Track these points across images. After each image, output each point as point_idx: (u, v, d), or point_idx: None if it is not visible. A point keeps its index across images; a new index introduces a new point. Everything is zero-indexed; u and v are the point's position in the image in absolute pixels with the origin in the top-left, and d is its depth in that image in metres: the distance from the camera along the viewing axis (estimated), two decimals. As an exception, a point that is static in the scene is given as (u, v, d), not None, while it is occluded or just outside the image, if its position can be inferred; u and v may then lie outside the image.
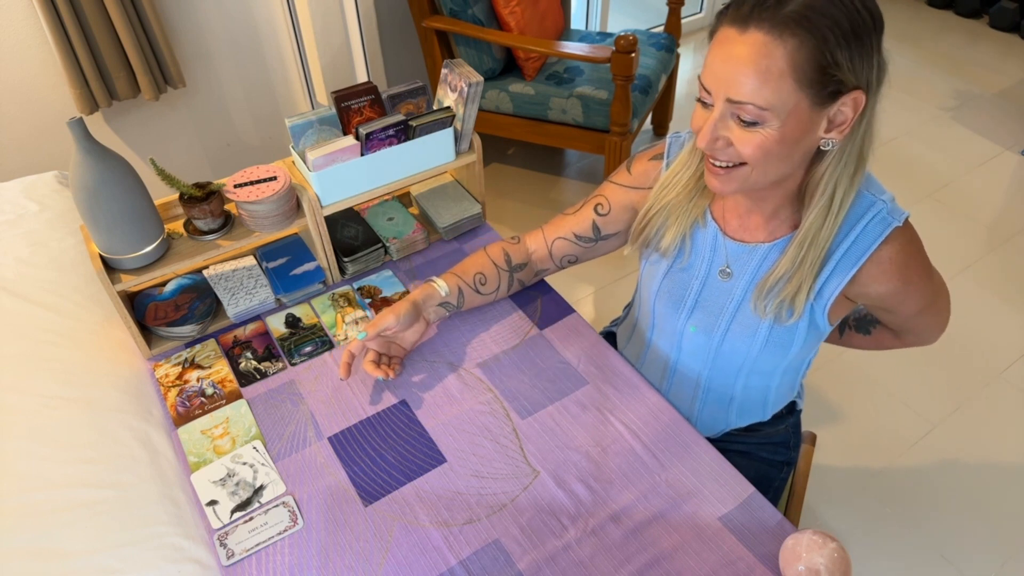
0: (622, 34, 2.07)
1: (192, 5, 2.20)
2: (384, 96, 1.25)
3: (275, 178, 1.18)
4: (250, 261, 1.29)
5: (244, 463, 1.03)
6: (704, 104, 0.85)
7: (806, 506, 1.72)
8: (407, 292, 1.28)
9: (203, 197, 1.13)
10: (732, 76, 0.79)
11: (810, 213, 0.90)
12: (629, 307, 1.31)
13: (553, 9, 2.47)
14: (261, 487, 1.00)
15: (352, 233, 1.34)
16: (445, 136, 1.25)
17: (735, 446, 1.21)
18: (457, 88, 1.25)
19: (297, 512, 0.97)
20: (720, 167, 0.87)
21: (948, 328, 1.10)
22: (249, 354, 1.19)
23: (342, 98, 1.19)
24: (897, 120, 3.02)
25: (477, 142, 1.31)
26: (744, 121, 0.81)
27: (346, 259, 1.29)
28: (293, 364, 1.17)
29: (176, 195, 1.17)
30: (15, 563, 0.92)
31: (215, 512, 0.98)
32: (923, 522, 1.70)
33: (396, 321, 1.08)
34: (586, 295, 2.31)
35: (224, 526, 0.96)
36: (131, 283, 1.10)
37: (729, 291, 1.02)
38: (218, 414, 1.10)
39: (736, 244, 1.00)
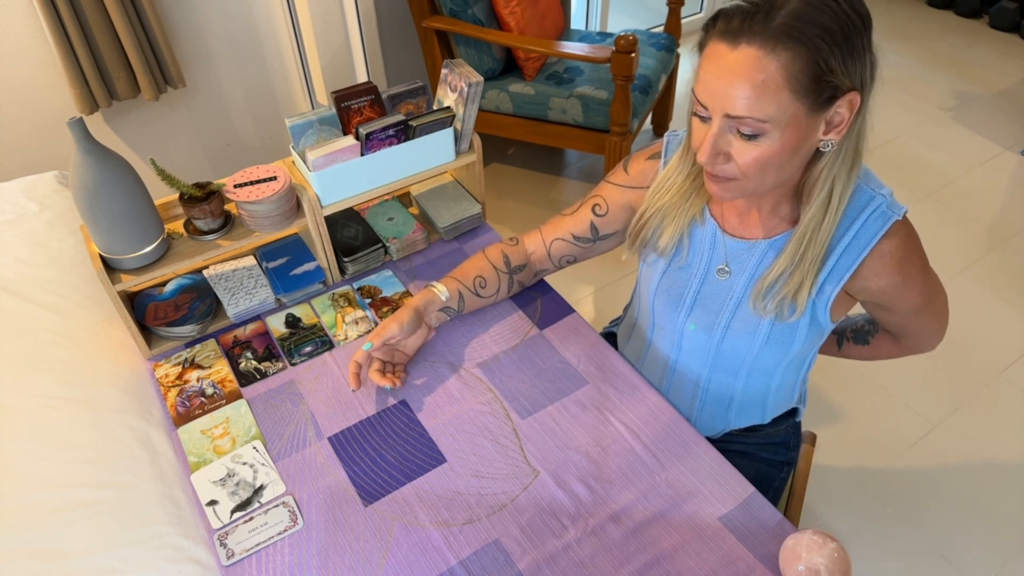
0: (622, 34, 2.07)
1: (192, 5, 2.20)
2: (384, 96, 1.25)
3: (275, 178, 1.18)
4: (250, 261, 1.29)
5: (244, 463, 1.03)
6: (701, 118, 0.85)
7: (806, 506, 1.72)
8: (407, 292, 1.28)
9: (203, 197, 1.13)
10: (728, 91, 0.79)
11: (809, 210, 0.90)
12: (628, 307, 1.31)
13: (553, 9, 2.47)
14: (261, 487, 1.00)
15: (352, 233, 1.34)
16: (445, 136, 1.25)
17: (735, 446, 1.21)
18: (457, 88, 1.25)
19: (297, 512, 0.97)
20: (720, 177, 0.88)
21: (949, 328, 1.10)
22: (249, 354, 1.19)
23: (342, 98, 1.19)
24: (897, 120, 3.02)
25: (477, 142, 1.31)
26: (744, 134, 0.81)
27: (346, 259, 1.29)
28: (293, 364, 1.17)
29: (176, 195, 1.17)
30: (15, 563, 0.92)
31: (215, 512, 0.98)
32: (923, 522, 1.70)
33: (400, 330, 1.08)
34: (586, 295, 2.31)
35: (224, 526, 0.96)
36: (131, 283, 1.10)
37: (728, 288, 1.02)
38: (218, 414, 1.10)
39: (735, 241, 1.00)
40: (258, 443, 1.05)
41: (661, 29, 2.73)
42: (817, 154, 0.87)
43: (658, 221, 1.04)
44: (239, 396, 1.12)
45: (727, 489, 0.98)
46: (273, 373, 1.16)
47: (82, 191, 1.02)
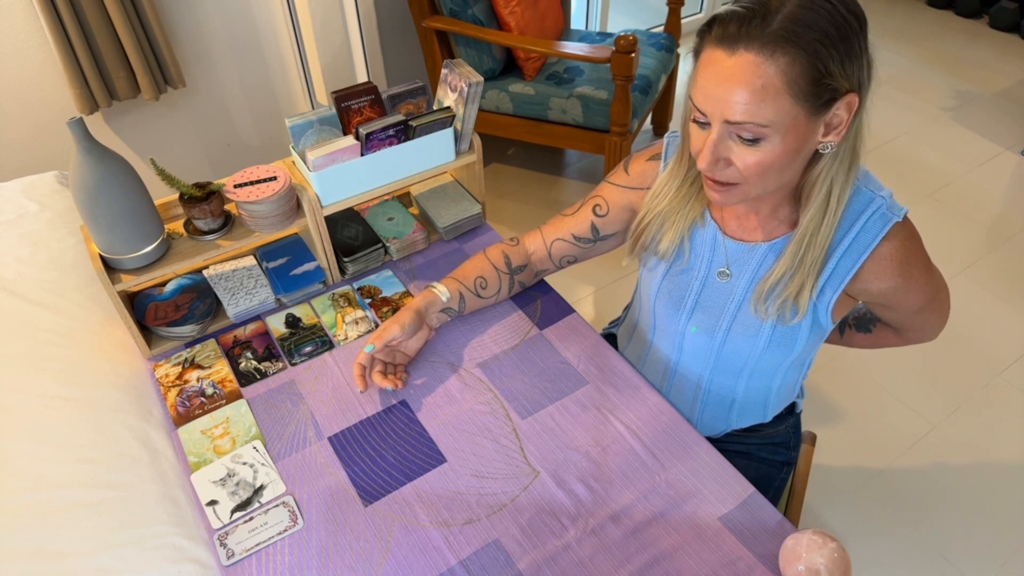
0: (622, 34, 2.07)
1: (192, 5, 2.20)
2: (384, 96, 1.25)
3: (275, 178, 1.18)
4: (250, 261, 1.29)
5: (244, 463, 1.03)
6: (700, 124, 0.85)
7: (806, 506, 1.72)
8: (407, 292, 1.28)
9: (203, 197, 1.13)
10: (727, 98, 0.79)
11: (807, 212, 0.90)
12: (628, 308, 1.31)
13: (553, 9, 2.47)
14: (261, 487, 1.00)
15: (352, 233, 1.34)
16: (445, 136, 1.25)
17: (735, 446, 1.21)
18: (457, 88, 1.25)
19: (297, 512, 0.97)
20: (720, 183, 0.87)
21: (948, 328, 1.09)
22: (249, 354, 1.19)
23: (342, 98, 1.19)
24: (897, 120, 3.02)
25: (477, 142, 1.31)
26: (744, 139, 0.81)
27: (346, 259, 1.29)
28: (293, 364, 1.17)
29: (176, 195, 1.17)
30: (15, 563, 0.93)
31: (215, 512, 0.98)
32: (923, 522, 1.70)
33: (402, 331, 1.08)
34: (586, 295, 2.31)
35: (224, 526, 0.96)
36: (131, 283, 1.10)
37: (729, 291, 1.02)
38: (218, 414, 1.10)
39: (735, 243, 1.00)
40: (258, 443, 1.05)
41: (661, 29, 2.73)
42: (816, 156, 0.87)
43: (658, 226, 1.04)
44: (239, 396, 1.12)
45: (727, 489, 0.98)
46: (273, 373, 1.16)
47: (82, 191, 1.02)
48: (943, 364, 2.05)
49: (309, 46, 2.42)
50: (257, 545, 0.94)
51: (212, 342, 1.21)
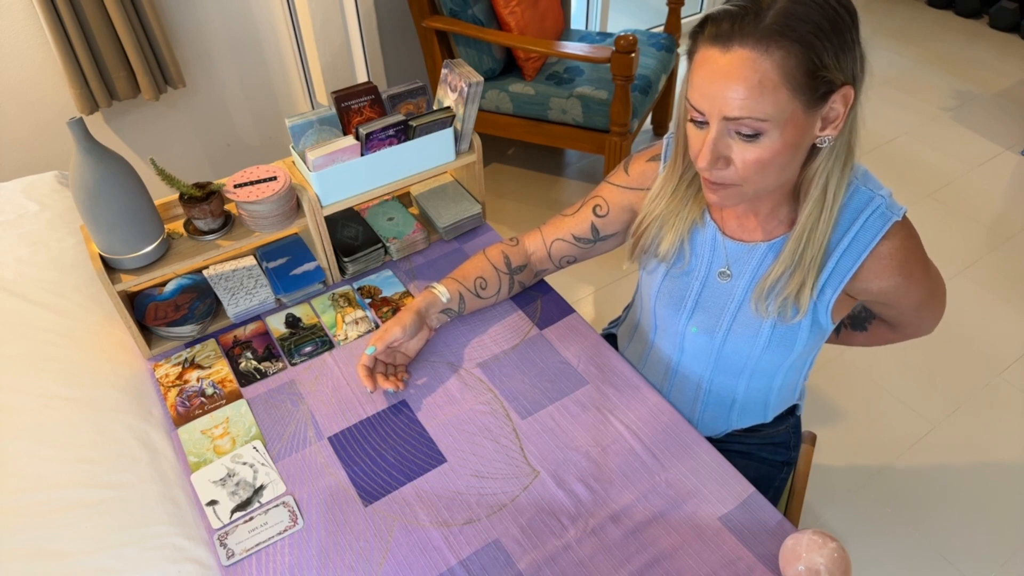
0: (622, 34, 2.07)
1: (192, 5, 2.20)
2: (384, 96, 1.25)
3: (275, 178, 1.18)
4: (250, 261, 1.29)
5: (244, 463, 1.03)
6: (698, 124, 0.85)
7: (806, 506, 1.72)
8: (407, 292, 1.28)
9: (203, 197, 1.13)
10: (724, 94, 0.79)
11: (805, 208, 0.90)
12: (628, 308, 1.31)
13: (553, 9, 2.47)
14: (261, 487, 1.00)
15: (352, 233, 1.34)
16: (445, 136, 1.25)
17: (735, 446, 1.21)
18: (457, 88, 1.25)
19: (297, 512, 0.97)
20: (719, 183, 0.87)
21: (948, 328, 1.10)
22: (249, 354, 1.19)
23: (342, 98, 1.19)
24: (897, 120, 3.02)
25: (477, 142, 1.31)
26: (744, 135, 0.81)
27: (346, 259, 1.29)
28: (293, 364, 1.17)
29: (176, 195, 1.17)
30: (15, 563, 0.93)
31: (215, 512, 0.98)
32: (923, 522, 1.70)
33: (403, 332, 1.08)
34: (586, 295, 2.31)
35: (224, 526, 0.96)
36: (131, 283, 1.10)
37: (729, 291, 1.02)
38: (218, 414, 1.10)
39: (735, 244, 1.00)
40: (258, 443, 1.05)
41: (661, 29, 2.73)
42: (812, 152, 0.87)
43: (657, 229, 1.04)
44: (239, 396, 1.12)
45: (727, 489, 0.98)
46: (273, 373, 1.16)
47: (82, 191, 1.02)
48: (943, 364, 2.05)
49: (309, 46, 2.42)
50: (257, 545, 0.94)
51: (212, 342, 1.21)
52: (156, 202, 1.16)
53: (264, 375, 1.15)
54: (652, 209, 1.03)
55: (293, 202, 1.20)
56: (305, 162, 1.18)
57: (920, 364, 2.05)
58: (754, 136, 0.81)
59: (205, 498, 0.99)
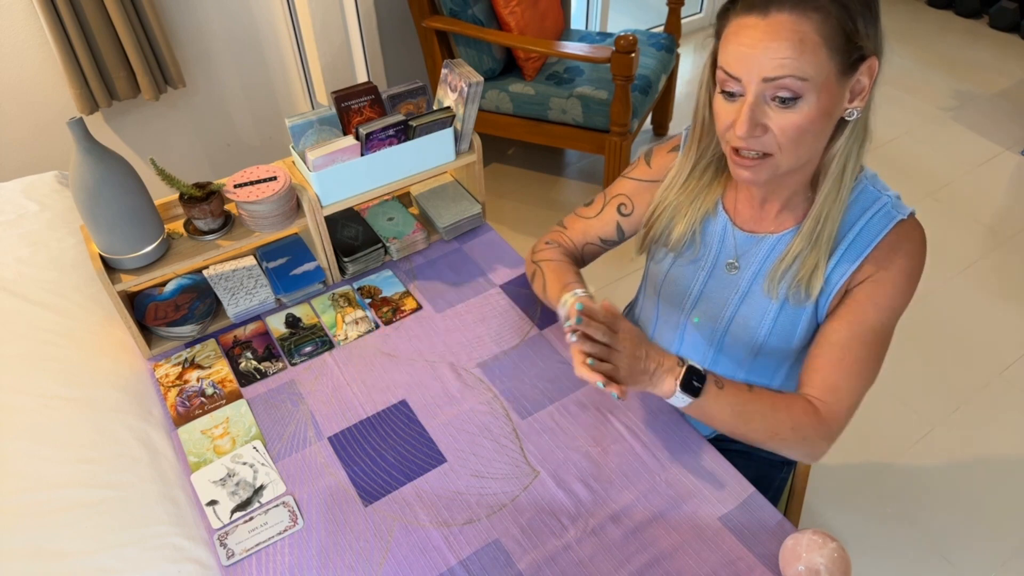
0: (622, 34, 2.07)
1: (192, 5, 2.20)
2: (384, 96, 1.25)
3: (275, 178, 1.18)
4: (250, 261, 1.29)
5: (244, 463, 1.03)
6: (730, 95, 0.85)
7: (806, 506, 1.72)
8: (407, 292, 1.28)
9: (203, 197, 1.13)
10: (766, 55, 0.79)
11: (824, 188, 0.91)
12: (630, 307, 1.31)
13: (553, 9, 2.47)
14: (261, 487, 1.00)
15: (352, 233, 1.34)
16: (445, 136, 1.25)
17: (735, 446, 1.21)
18: (457, 88, 1.25)
19: (297, 512, 0.97)
20: (751, 158, 0.86)
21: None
22: (249, 354, 1.19)
23: (342, 98, 1.19)
24: (897, 120, 3.02)
25: (477, 142, 1.31)
26: (782, 100, 0.81)
27: (346, 259, 1.29)
28: (293, 364, 1.17)
29: (176, 195, 1.17)
30: (15, 563, 0.93)
31: (215, 512, 0.98)
32: (923, 522, 1.70)
33: (587, 293, 1.00)
34: (586, 295, 2.30)
35: (224, 526, 0.96)
36: (131, 283, 1.10)
37: (734, 283, 1.02)
38: (218, 414, 1.10)
39: (745, 235, 1.00)
40: (258, 443, 1.05)
41: (661, 29, 2.73)
42: (835, 132, 0.88)
43: (668, 218, 1.04)
44: (239, 396, 1.12)
45: (727, 489, 0.98)
46: (273, 373, 1.16)
47: (82, 191, 1.02)
48: (943, 364, 2.05)
49: (309, 46, 2.42)
50: (257, 545, 0.94)
51: (212, 342, 1.21)
52: (156, 202, 1.16)
53: (264, 375, 1.15)
54: (665, 197, 1.03)
55: (293, 202, 1.20)
56: (305, 162, 1.18)
57: (920, 364, 2.05)
58: (792, 100, 0.81)
59: (205, 498, 0.99)
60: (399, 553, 0.92)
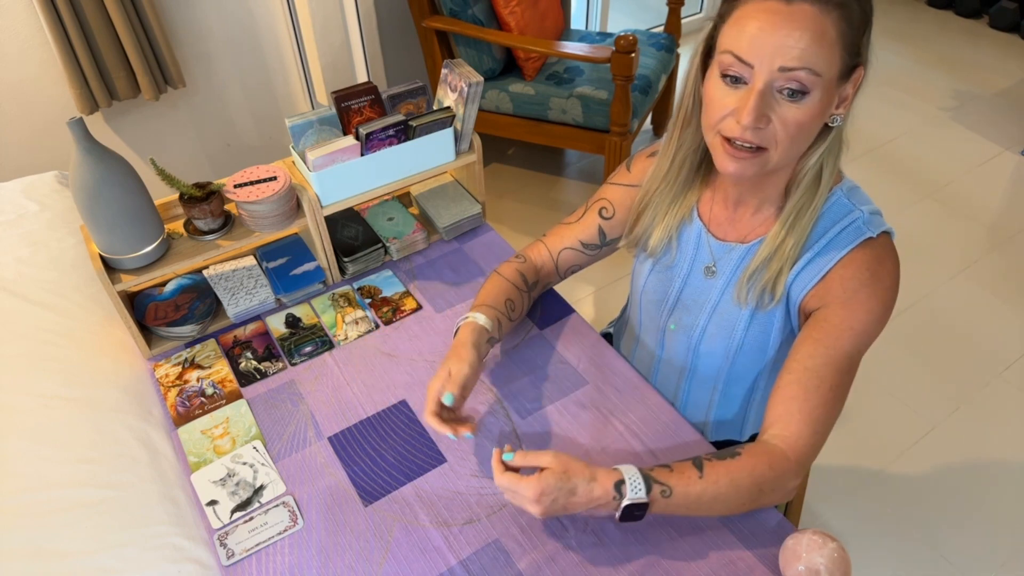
0: (622, 34, 2.07)
1: (192, 5, 2.20)
2: (384, 96, 1.25)
3: (275, 178, 1.18)
4: (250, 261, 1.29)
5: (244, 463, 1.03)
6: (734, 80, 0.82)
7: (806, 506, 1.72)
8: (407, 292, 1.28)
9: (203, 197, 1.13)
10: (785, 42, 0.77)
11: (795, 195, 0.91)
12: (626, 307, 1.31)
13: (553, 9, 2.47)
14: (261, 487, 1.00)
15: (352, 233, 1.34)
16: (445, 136, 1.25)
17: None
18: (457, 88, 1.25)
19: (297, 512, 0.97)
20: (745, 150, 0.84)
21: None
22: (249, 354, 1.19)
23: (342, 98, 1.19)
24: (897, 120, 3.02)
25: (477, 142, 1.31)
26: (791, 92, 0.80)
27: (346, 259, 1.29)
28: (293, 364, 1.17)
29: (176, 195, 1.17)
30: (15, 563, 0.93)
31: (215, 512, 0.98)
32: (923, 522, 1.70)
33: (472, 371, 0.98)
34: (586, 295, 2.31)
35: (224, 526, 0.96)
36: (131, 283, 1.10)
37: (709, 289, 1.02)
38: (218, 414, 1.10)
39: (718, 243, 1.00)
40: (258, 443, 1.05)
41: (661, 29, 2.73)
42: (815, 138, 0.88)
43: (650, 219, 1.04)
44: (239, 396, 1.12)
45: (727, 489, 0.98)
46: (273, 373, 1.16)
47: (82, 191, 1.02)
48: (943, 364, 2.05)
49: (309, 46, 2.42)
50: (257, 545, 0.94)
51: (212, 342, 1.21)
52: (156, 202, 1.16)
53: (264, 375, 1.15)
54: (651, 186, 1.04)
55: (293, 202, 1.20)
56: (305, 162, 1.18)
57: (920, 364, 2.05)
58: (801, 95, 0.80)
59: (205, 498, 0.99)
60: (399, 553, 0.92)
